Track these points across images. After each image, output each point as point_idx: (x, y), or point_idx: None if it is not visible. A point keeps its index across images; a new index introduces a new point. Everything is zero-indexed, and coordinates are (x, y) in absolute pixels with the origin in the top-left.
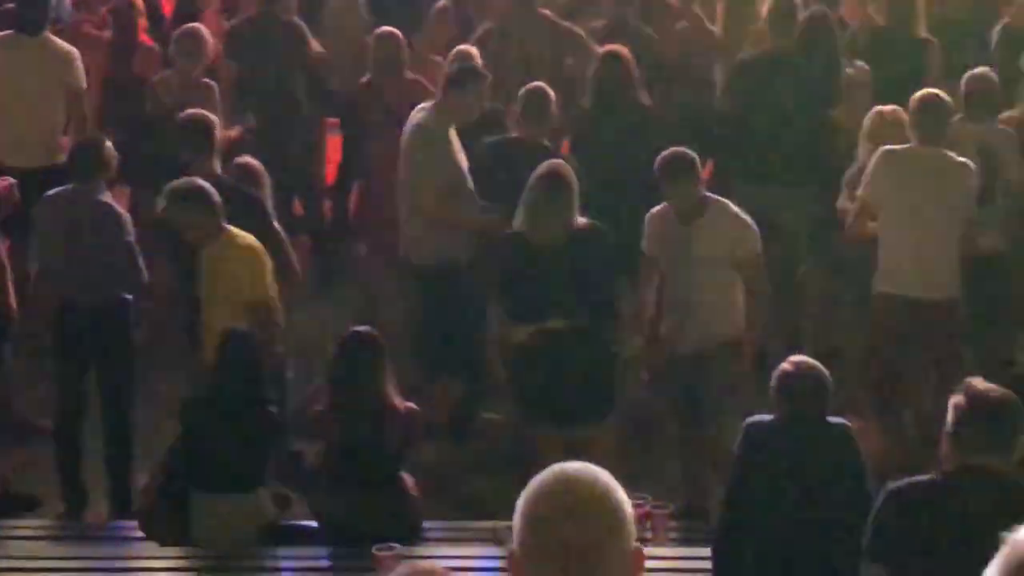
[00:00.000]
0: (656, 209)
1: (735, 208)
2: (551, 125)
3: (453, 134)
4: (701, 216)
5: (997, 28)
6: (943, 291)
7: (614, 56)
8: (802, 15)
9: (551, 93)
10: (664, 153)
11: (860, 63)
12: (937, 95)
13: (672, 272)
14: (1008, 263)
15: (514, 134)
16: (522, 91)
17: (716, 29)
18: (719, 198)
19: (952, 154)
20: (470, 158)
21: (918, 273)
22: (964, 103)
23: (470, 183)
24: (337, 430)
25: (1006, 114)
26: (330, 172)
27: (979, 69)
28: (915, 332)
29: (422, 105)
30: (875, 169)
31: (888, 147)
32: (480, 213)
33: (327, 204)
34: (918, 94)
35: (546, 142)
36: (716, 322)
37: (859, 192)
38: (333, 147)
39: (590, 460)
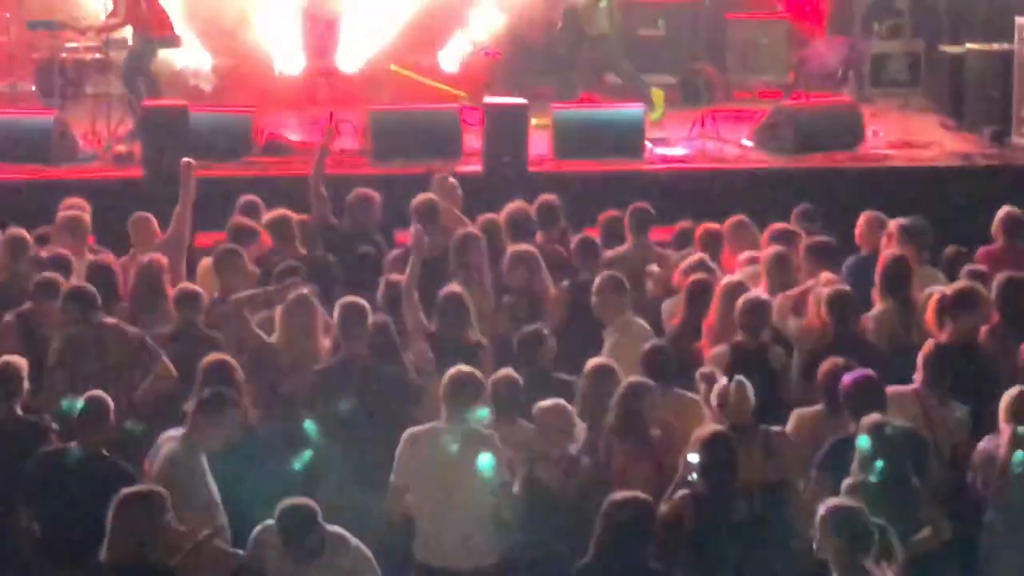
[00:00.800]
0: (265, 538)
1: (353, 541)
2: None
3: (204, 462)
4: (320, 555)
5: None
6: (478, 559)
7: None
8: (371, 320)
9: (110, 404)
10: (285, 504)
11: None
12: (465, 373)
13: None
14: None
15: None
16: (85, 399)
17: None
18: (338, 531)
19: (474, 425)
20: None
21: (454, 542)
22: (494, 403)
23: (222, 515)
24: None
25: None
26: None
27: (503, 371)
28: None
29: (170, 433)
30: (401, 453)
31: (411, 429)
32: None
33: None
34: (447, 374)
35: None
36: None
37: (391, 479)
38: None
39: None
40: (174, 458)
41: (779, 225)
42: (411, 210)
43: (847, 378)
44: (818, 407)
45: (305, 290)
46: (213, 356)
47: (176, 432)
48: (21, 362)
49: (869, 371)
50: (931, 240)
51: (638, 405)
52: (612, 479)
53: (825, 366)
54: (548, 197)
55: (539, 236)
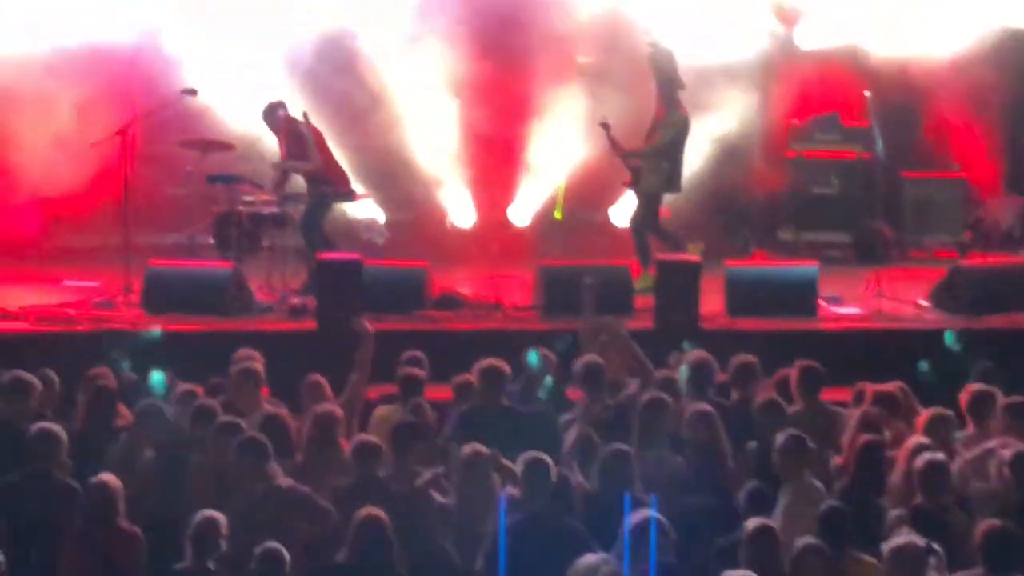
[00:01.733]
0: None
1: None
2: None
3: None
4: None
5: None
6: None
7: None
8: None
9: (285, 556)
10: None
11: None
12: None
13: None
14: None
15: None
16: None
17: None
18: None
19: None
20: None
21: None
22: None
23: None
24: None
25: None
26: None
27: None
28: None
29: None
30: None
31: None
32: None
33: None
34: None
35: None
36: None
37: None
38: None
39: None
40: None
41: (976, 385)
42: (575, 372)
43: None
44: (977, 570)
45: (481, 448)
46: (365, 512)
47: None
48: None
49: None
50: None
51: (810, 568)
52: None
53: (982, 527)
54: (747, 357)
55: (734, 393)
